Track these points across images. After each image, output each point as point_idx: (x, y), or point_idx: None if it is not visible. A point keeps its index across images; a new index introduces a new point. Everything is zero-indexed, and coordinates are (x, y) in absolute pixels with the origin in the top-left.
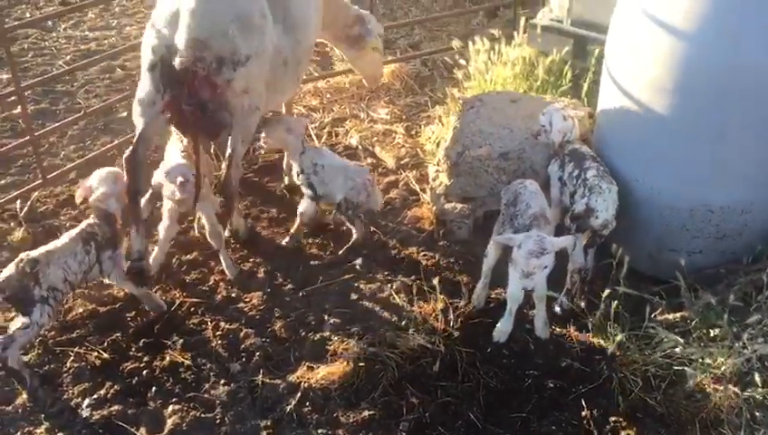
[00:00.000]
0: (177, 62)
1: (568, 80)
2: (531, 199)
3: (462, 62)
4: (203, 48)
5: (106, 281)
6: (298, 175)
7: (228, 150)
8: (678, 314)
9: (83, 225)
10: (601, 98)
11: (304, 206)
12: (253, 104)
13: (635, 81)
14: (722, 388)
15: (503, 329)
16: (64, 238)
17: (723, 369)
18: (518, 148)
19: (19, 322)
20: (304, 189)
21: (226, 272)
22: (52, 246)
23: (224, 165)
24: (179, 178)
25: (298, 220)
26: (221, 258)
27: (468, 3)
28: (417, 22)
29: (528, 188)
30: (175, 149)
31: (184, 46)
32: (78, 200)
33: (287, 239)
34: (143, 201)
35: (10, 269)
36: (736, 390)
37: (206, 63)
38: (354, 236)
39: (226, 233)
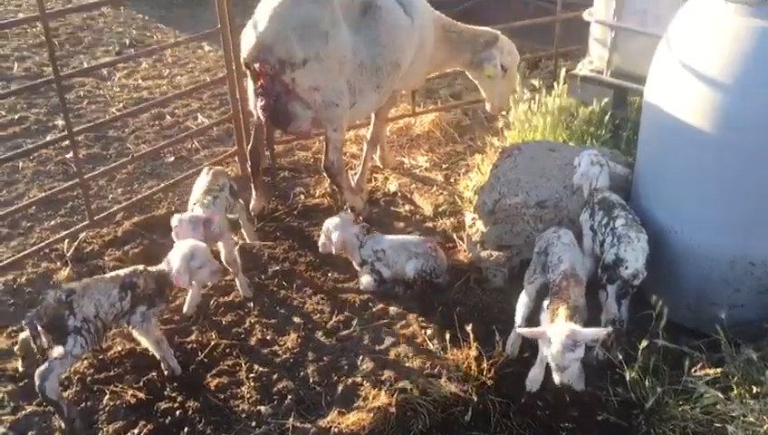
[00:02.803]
0: (242, 60)
1: (608, 130)
2: (564, 253)
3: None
4: (267, 51)
5: (133, 331)
6: (361, 266)
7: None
8: (719, 370)
9: (130, 270)
10: (640, 148)
11: (366, 283)
12: (327, 100)
13: (673, 132)
14: None
15: (534, 377)
16: (107, 276)
17: (765, 427)
18: (555, 196)
19: (56, 352)
20: (369, 275)
21: (241, 292)
22: (90, 280)
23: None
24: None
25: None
26: (237, 282)
27: None
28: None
29: (561, 238)
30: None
31: (251, 47)
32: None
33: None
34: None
35: (49, 298)
36: None
37: (270, 64)
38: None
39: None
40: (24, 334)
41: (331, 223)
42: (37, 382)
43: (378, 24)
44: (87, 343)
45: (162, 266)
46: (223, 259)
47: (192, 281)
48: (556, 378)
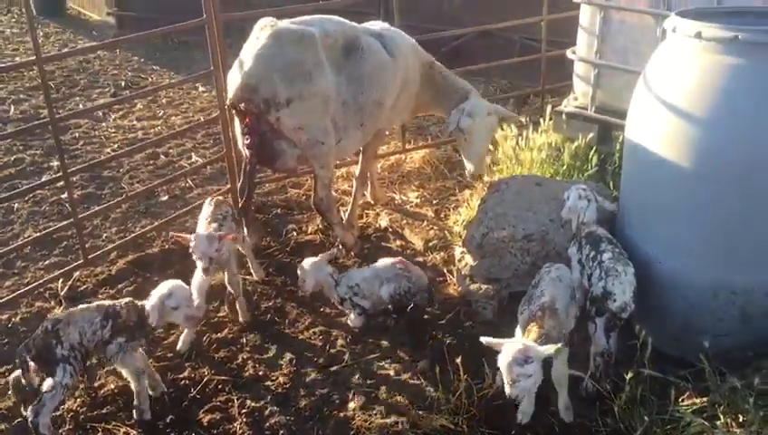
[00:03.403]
0: (228, 100)
1: (593, 164)
2: (547, 287)
3: (490, 147)
4: (252, 91)
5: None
6: (341, 304)
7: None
8: (705, 399)
9: (114, 302)
10: (623, 181)
11: (353, 320)
12: (312, 138)
13: (653, 165)
14: None
15: (524, 410)
16: (93, 304)
17: None
18: (541, 230)
19: (46, 385)
20: (354, 311)
21: (240, 317)
22: (76, 308)
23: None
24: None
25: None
26: (237, 305)
27: (498, 91)
28: None
29: (551, 273)
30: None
31: (236, 88)
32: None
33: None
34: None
35: (38, 330)
36: None
37: (255, 103)
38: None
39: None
40: (15, 374)
41: (305, 264)
42: (30, 418)
43: (361, 65)
44: (76, 372)
45: (146, 302)
46: (226, 281)
47: (164, 320)
48: (506, 391)
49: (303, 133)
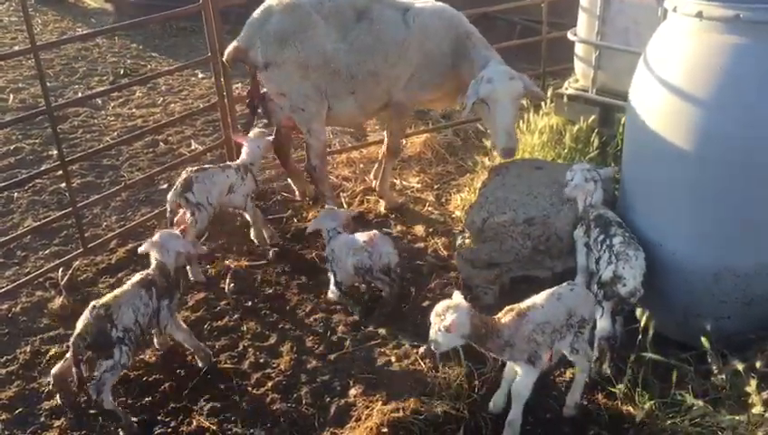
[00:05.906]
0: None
1: (595, 147)
2: (539, 296)
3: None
4: (244, 53)
5: (166, 331)
6: (325, 263)
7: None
8: (708, 381)
9: (142, 274)
10: (624, 164)
11: (329, 292)
12: (294, 104)
13: (654, 147)
14: None
15: (496, 401)
16: (126, 285)
17: None
18: (542, 214)
19: (105, 365)
20: (332, 277)
21: (265, 240)
22: (117, 291)
23: None
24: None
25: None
26: (264, 231)
27: None
28: None
29: (560, 288)
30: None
31: (229, 50)
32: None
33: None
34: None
35: (86, 317)
36: None
37: (249, 65)
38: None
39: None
40: (56, 369)
41: (323, 211)
42: (93, 396)
43: (367, 35)
44: (131, 352)
45: (157, 258)
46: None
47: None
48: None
49: (285, 99)
